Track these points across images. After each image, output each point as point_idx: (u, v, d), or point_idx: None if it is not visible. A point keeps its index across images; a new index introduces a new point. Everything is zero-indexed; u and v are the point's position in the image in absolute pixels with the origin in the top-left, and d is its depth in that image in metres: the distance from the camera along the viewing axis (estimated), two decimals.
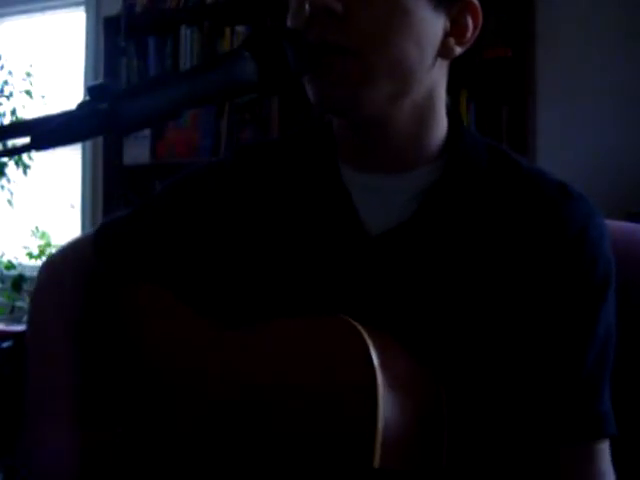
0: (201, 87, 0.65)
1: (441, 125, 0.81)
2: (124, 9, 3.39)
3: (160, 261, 0.89)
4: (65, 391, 0.88)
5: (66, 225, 3.79)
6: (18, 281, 3.51)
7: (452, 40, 0.76)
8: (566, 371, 0.74)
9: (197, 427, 0.78)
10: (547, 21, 2.83)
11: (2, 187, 3.55)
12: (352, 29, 0.71)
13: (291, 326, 0.75)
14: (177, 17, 3.33)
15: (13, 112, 3.56)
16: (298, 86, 0.76)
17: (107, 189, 3.47)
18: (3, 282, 3.61)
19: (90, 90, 0.58)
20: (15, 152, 0.58)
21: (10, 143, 0.58)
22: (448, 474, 0.70)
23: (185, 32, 3.30)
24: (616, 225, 0.94)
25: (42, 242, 3.66)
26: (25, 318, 3.30)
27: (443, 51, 0.76)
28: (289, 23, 0.76)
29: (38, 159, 3.56)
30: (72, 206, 3.78)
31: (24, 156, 3.46)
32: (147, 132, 3.31)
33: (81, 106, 0.58)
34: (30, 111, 3.56)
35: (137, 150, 3.36)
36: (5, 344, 2.92)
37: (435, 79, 0.78)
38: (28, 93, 3.58)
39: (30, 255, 3.63)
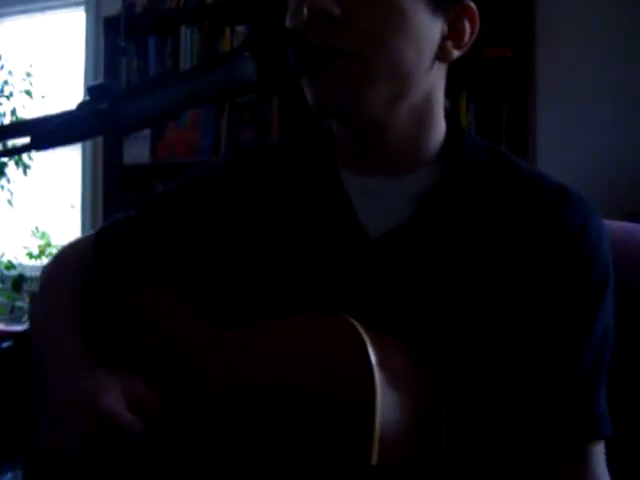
0: (201, 87, 0.65)
1: (439, 128, 0.81)
2: (124, 9, 3.40)
3: (160, 262, 0.89)
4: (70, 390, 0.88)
5: (66, 225, 3.79)
6: (18, 281, 3.51)
7: (450, 44, 0.77)
8: (563, 371, 0.74)
9: (197, 427, 0.78)
10: (547, 21, 2.83)
11: (2, 187, 3.55)
12: (351, 32, 0.71)
13: (290, 325, 0.75)
14: (177, 17, 3.33)
15: (13, 112, 3.56)
16: (298, 86, 0.76)
17: (107, 189, 3.47)
18: (3, 282, 3.62)
19: (90, 90, 0.58)
20: (15, 152, 0.58)
21: (10, 143, 0.58)
22: (448, 473, 0.71)
23: (185, 32, 3.30)
24: (616, 225, 0.94)
25: (42, 242, 3.66)
26: (25, 318, 3.31)
27: (441, 54, 0.77)
28: (288, 24, 0.76)
29: (38, 159, 3.56)
30: (72, 206, 3.78)
31: (24, 156, 3.46)
32: (147, 132, 3.31)
33: (81, 106, 0.58)
34: (30, 111, 3.56)
35: (137, 150, 3.36)
36: (5, 344, 2.92)
37: (433, 82, 0.79)
38: (28, 93, 3.58)
39: (30, 255, 3.63)
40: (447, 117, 0.82)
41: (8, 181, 3.56)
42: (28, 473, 0.94)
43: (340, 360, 0.69)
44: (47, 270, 0.96)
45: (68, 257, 0.96)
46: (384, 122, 0.77)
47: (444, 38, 0.76)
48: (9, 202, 3.59)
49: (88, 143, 3.55)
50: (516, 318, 0.75)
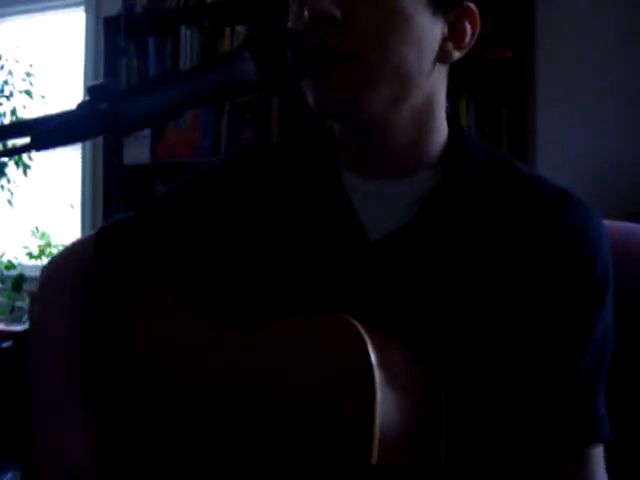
0: (201, 87, 0.65)
1: (441, 130, 0.81)
2: (124, 9, 3.39)
3: (161, 262, 0.89)
4: (70, 390, 0.88)
5: (66, 225, 3.79)
6: (18, 281, 3.51)
7: (450, 45, 0.77)
8: (562, 374, 0.74)
9: (197, 427, 0.78)
10: (547, 21, 2.83)
11: (2, 187, 3.55)
12: (351, 34, 0.71)
13: (290, 325, 0.75)
14: (177, 17, 3.33)
15: (13, 112, 3.56)
16: (298, 86, 0.76)
17: (107, 189, 3.47)
18: (3, 282, 3.61)
19: (90, 90, 0.58)
20: (15, 152, 0.58)
21: (10, 143, 0.58)
22: (446, 473, 0.71)
23: (185, 32, 3.30)
24: (616, 225, 0.94)
25: (42, 242, 3.66)
26: (25, 318, 3.31)
27: (442, 56, 0.77)
28: (289, 25, 0.76)
29: (38, 159, 3.56)
30: (72, 206, 3.78)
31: (24, 156, 3.46)
32: (147, 132, 3.31)
33: (81, 106, 0.58)
34: (30, 111, 3.56)
35: (137, 150, 3.36)
36: (5, 344, 2.93)
37: (434, 84, 0.79)
38: (28, 93, 3.58)
39: (30, 255, 3.63)
40: (449, 119, 0.83)
41: (8, 181, 3.56)
42: (26, 474, 0.95)
43: (340, 360, 0.69)
44: (47, 270, 0.96)
45: (68, 257, 0.96)
46: (385, 124, 0.77)
47: (445, 39, 0.76)
48: (9, 202, 3.59)
49: (88, 143, 3.55)
50: (516, 320, 0.75)
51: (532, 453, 0.74)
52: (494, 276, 0.76)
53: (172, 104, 0.62)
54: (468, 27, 0.77)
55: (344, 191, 0.81)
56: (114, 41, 3.43)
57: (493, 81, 2.82)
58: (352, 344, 0.68)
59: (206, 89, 0.65)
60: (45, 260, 3.58)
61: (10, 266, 3.64)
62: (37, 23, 3.98)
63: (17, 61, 3.60)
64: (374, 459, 0.64)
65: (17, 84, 3.59)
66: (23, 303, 3.50)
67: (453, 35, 0.77)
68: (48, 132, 0.56)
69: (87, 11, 3.75)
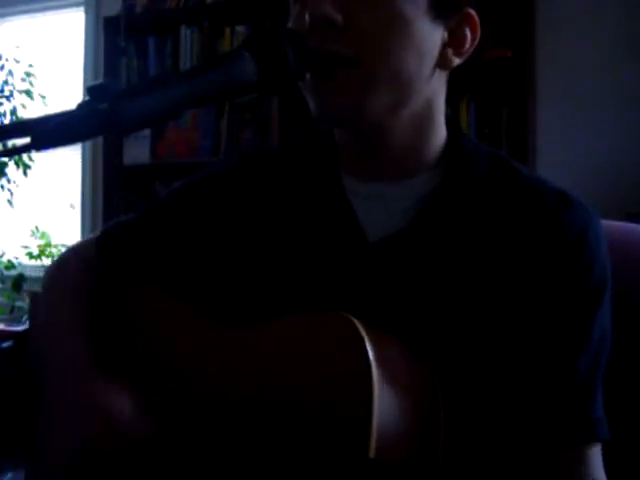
0: (201, 87, 0.65)
1: (440, 134, 0.82)
2: (124, 9, 3.40)
3: (162, 264, 0.90)
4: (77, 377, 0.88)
5: (66, 225, 3.79)
6: (18, 281, 3.51)
7: (450, 51, 0.77)
8: (560, 374, 0.74)
9: (197, 427, 0.79)
10: (547, 21, 2.83)
11: (2, 187, 3.55)
12: (352, 38, 0.72)
13: (290, 324, 0.75)
14: (177, 17, 3.33)
15: (13, 112, 3.56)
16: (298, 86, 0.76)
17: (107, 189, 3.47)
18: (3, 282, 3.61)
19: (90, 90, 0.58)
20: (15, 152, 0.58)
21: (10, 143, 0.58)
22: (444, 471, 0.71)
23: (185, 32, 3.30)
24: (615, 225, 0.94)
25: (42, 242, 3.66)
26: (25, 318, 3.31)
27: (441, 62, 0.77)
28: (290, 26, 0.76)
29: (38, 159, 3.56)
30: (72, 206, 3.78)
31: (24, 156, 3.46)
32: (147, 132, 3.31)
33: (81, 106, 0.58)
34: (30, 111, 3.55)
35: (137, 150, 3.36)
36: (5, 344, 2.93)
37: (434, 89, 0.79)
38: (28, 93, 3.58)
39: (30, 255, 3.63)
40: (448, 122, 0.83)
41: (8, 181, 3.56)
42: (30, 473, 0.94)
43: (338, 357, 0.69)
44: (50, 271, 0.97)
45: (70, 259, 0.97)
46: (385, 128, 0.78)
47: (445, 45, 0.77)
48: (9, 202, 3.59)
49: (88, 143, 3.55)
50: (514, 321, 0.76)
51: (530, 453, 0.74)
52: (493, 277, 0.76)
53: (172, 104, 0.62)
54: (468, 33, 0.78)
55: (344, 193, 0.82)
56: (114, 41, 3.43)
57: (493, 81, 2.82)
58: (350, 341, 0.68)
59: (206, 89, 0.65)
60: (45, 260, 3.59)
61: (10, 266, 3.64)
62: (37, 23, 3.98)
63: (17, 61, 3.60)
64: (372, 454, 0.64)
65: (17, 84, 3.58)
66: (23, 303, 3.50)
67: (453, 41, 0.77)
68: (48, 132, 0.56)
69: (87, 11, 3.75)
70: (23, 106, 3.58)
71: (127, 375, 0.86)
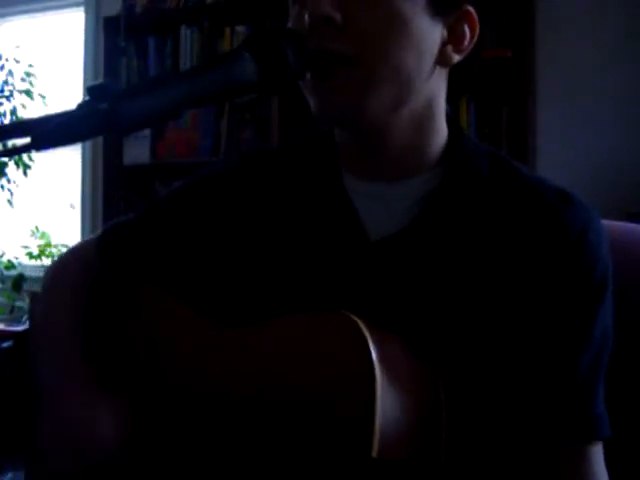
0: (201, 87, 0.65)
1: (441, 133, 0.82)
2: (124, 9, 3.40)
3: (163, 265, 0.90)
4: (75, 382, 0.88)
5: (66, 225, 3.79)
6: (18, 281, 3.51)
7: (450, 48, 0.77)
8: (562, 373, 0.74)
9: (198, 427, 0.79)
10: (547, 21, 2.83)
11: (2, 187, 3.55)
12: (351, 37, 0.72)
13: (291, 324, 0.75)
14: (177, 17, 3.33)
15: (13, 112, 3.56)
16: (298, 86, 0.76)
17: (107, 189, 3.47)
18: (3, 282, 3.61)
19: (90, 90, 0.58)
20: (15, 152, 0.58)
21: (10, 143, 0.58)
22: (447, 470, 0.71)
23: (185, 32, 3.30)
24: (615, 225, 0.94)
25: (42, 242, 3.66)
26: (25, 318, 3.31)
27: (441, 59, 0.77)
28: (290, 26, 0.77)
29: (38, 159, 3.56)
30: (72, 206, 3.78)
31: (24, 156, 3.46)
32: (147, 132, 3.31)
33: (81, 106, 0.58)
34: (30, 111, 3.56)
35: (137, 150, 3.36)
36: (5, 344, 2.93)
37: (434, 88, 0.79)
38: (28, 93, 3.58)
39: (30, 255, 3.63)
40: (449, 121, 0.83)
41: (8, 181, 3.56)
42: (29, 474, 0.94)
43: (340, 356, 0.69)
44: (50, 272, 0.98)
45: (70, 260, 0.97)
46: (385, 127, 0.78)
47: (444, 43, 0.77)
48: (9, 202, 3.59)
49: (88, 143, 3.55)
50: (516, 319, 0.76)
51: (532, 450, 0.74)
52: (494, 276, 0.76)
53: (172, 104, 0.62)
54: (467, 31, 0.78)
55: (345, 193, 0.82)
56: (114, 41, 3.43)
57: (493, 81, 2.82)
58: (352, 340, 0.68)
59: (206, 89, 0.65)
60: (45, 260, 3.59)
61: (10, 266, 3.64)
62: (37, 23, 3.98)
63: (17, 61, 3.60)
64: (375, 454, 0.64)
65: (17, 84, 3.58)
66: (23, 303, 3.50)
67: (452, 38, 0.77)
68: (48, 132, 0.56)
69: (87, 11, 3.75)
70: (23, 106, 3.58)
71: (127, 375, 0.86)
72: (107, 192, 3.47)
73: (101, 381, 0.86)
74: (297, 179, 0.86)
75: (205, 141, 3.26)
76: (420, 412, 0.70)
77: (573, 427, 0.73)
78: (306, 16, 0.72)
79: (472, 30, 0.78)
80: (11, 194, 3.57)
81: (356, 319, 0.70)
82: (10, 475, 2.50)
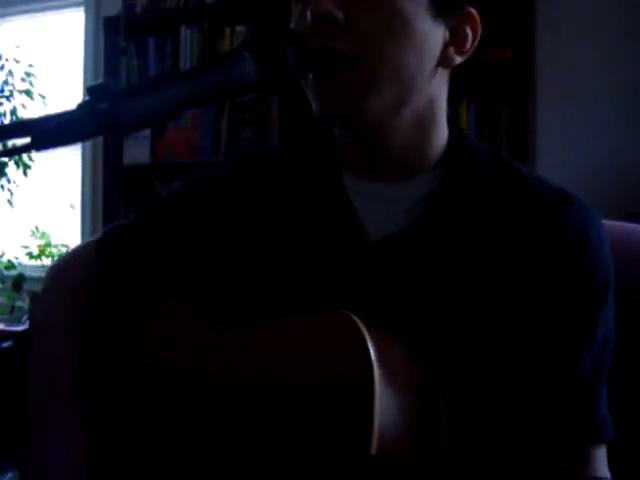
0: (201, 87, 0.65)
1: (441, 134, 0.82)
2: (124, 9, 3.39)
3: (163, 265, 0.90)
4: (69, 391, 0.88)
5: (66, 225, 3.79)
6: (18, 281, 3.51)
7: (452, 49, 0.77)
8: (564, 375, 0.74)
9: (197, 427, 0.78)
10: (547, 21, 2.83)
11: (2, 187, 3.55)
12: (353, 36, 0.72)
13: (290, 323, 0.75)
14: (177, 17, 3.33)
15: (13, 112, 3.56)
16: (298, 86, 0.76)
17: (107, 189, 3.47)
18: (3, 282, 3.61)
19: (90, 90, 0.58)
20: (15, 152, 0.58)
21: (10, 143, 0.58)
22: (446, 470, 0.71)
23: (185, 32, 3.30)
24: (616, 225, 0.94)
25: (42, 242, 3.66)
26: (25, 318, 3.31)
27: (443, 61, 0.77)
28: (292, 26, 0.77)
29: (38, 159, 3.56)
30: (72, 206, 3.78)
31: (24, 156, 3.46)
32: (147, 132, 3.31)
33: (81, 106, 0.58)
34: (30, 111, 3.55)
35: (137, 150, 3.36)
36: (5, 344, 2.93)
37: (435, 89, 0.79)
38: (28, 93, 3.57)
39: (30, 255, 3.63)
40: (449, 121, 0.83)
41: (8, 181, 3.56)
42: (24, 474, 0.95)
43: (339, 355, 0.69)
44: (50, 272, 0.98)
45: (71, 260, 0.97)
46: (386, 128, 0.78)
47: (446, 44, 0.77)
48: (9, 202, 3.58)
49: (88, 143, 3.55)
50: (517, 321, 0.75)
51: (534, 452, 0.74)
52: (494, 276, 0.76)
53: (172, 104, 0.62)
54: (469, 32, 0.78)
55: (345, 193, 0.82)
56: (114, 41, 3.43)
57: (493, 82, 2.82)
58: (351, 339, 0.68)
59: (206, 89, 0.65)
60: (45, 260, 3.59)
61: (10, 266, 3.64)
62: (37, 23, 3.98)
63: (17, 61, 3.60)
64: (374, 452, 0.64)
65: (17, 84, 3.58)
66: (23, 303, 3.50)
67: (454, 40, 0.77)
68: (48, 132, 0.56)
69: (87, 11, 3.75)
70: (23, 106, 3.58)
71: (126, 377, 0.86)
72: (107, 192, 3.47)
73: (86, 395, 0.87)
74: (297, 179, 0.86)
75: (205, 141, 3.26)
76: (419, 411, 0.70)
77: (575, 428, 0.73)
78: (308, 14, 0.72)
79: (474, 32, 0.78)
80: (11, 194, 3.57)
81: (355, 318, 0.70)
82: (10, 475, 2.50)
